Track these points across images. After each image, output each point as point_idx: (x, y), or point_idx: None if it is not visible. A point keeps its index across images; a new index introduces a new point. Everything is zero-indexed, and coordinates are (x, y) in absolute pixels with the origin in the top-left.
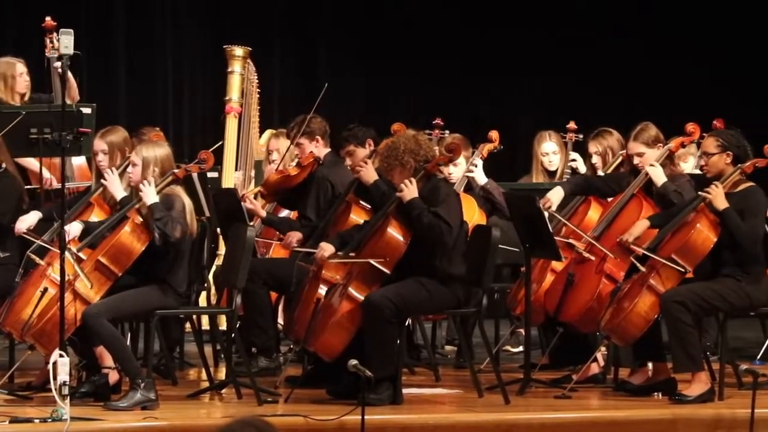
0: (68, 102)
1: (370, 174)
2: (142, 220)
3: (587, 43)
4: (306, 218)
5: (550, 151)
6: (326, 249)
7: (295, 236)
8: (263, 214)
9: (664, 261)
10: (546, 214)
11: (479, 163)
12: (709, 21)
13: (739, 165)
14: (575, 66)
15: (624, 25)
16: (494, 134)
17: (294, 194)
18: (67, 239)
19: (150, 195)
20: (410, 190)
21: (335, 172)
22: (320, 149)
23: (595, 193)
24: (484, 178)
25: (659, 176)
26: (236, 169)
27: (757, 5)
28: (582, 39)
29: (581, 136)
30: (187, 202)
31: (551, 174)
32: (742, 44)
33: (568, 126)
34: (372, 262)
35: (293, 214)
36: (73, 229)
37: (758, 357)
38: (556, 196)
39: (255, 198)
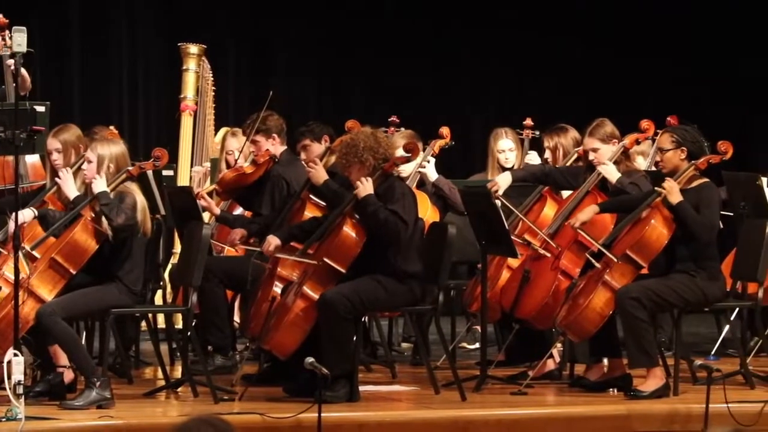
0: (21, 92)
1: (320, 174)
2: (94, 215)
3: (555, 42)
4: (260, 216)
5: (506, 148)
6: (272, 242)
7: (238, 233)
8: (217, 211)
9: (618, 258)
10: (500, 208)
11: (431, 159)
12: (676, 19)
13: (693, 161)
14: (539, 62)
15: (595, 26)
16: (445, 130)
17: (250, 192)
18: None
19: (99, 185)
20: (365, 187)
21: (291, 170)
22: (276, 147)
23: (550, 184)
24: (435, 174)
25: (612, 174)
26: (191, 168)
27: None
28: (549, 37)
29: (537, 133)
30: (140, 199)
31: (507, 171)
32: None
33: (524, 123)
34: (326, 260)
35: (248, 213)
36: (26, 215)
37: (712, 352)
38: (503, 180)
39: (210, 196)
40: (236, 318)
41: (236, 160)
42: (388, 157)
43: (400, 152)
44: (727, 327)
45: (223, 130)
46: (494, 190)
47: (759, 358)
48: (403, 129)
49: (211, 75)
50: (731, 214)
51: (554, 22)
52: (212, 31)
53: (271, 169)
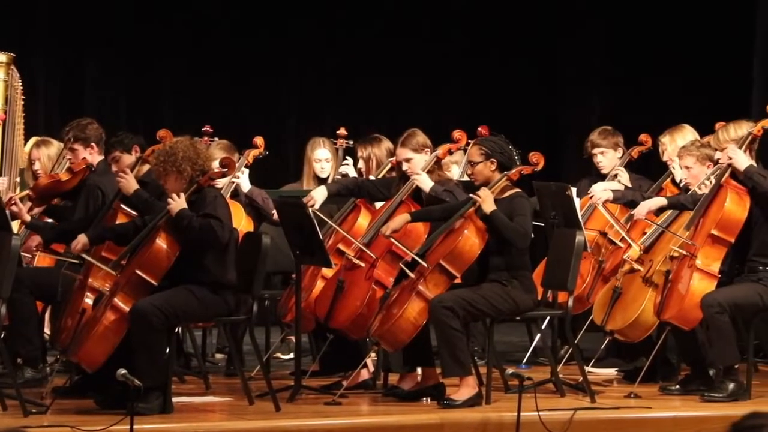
0: None
1: (130, 184)
2: None
3: (366, 46)
4: (63, 223)
5: (323, 158)
6: (80, 240)
7: (35, 240)
8: (27, 218)
9: (431, 268)
10: (314, 218)
11: (245, 169)
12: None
13: (505, 172)
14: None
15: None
16: (259, 140)
17: (64, 200)
18: None
19: None
20: (178, 203)
21: (107, 179)
22: (94, 156)
23: (364, 196)
24: (249, 184)
25: (425, 183)
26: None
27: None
28: (361, 41)
29: (351, 143)
30: None
31: (322, 181)
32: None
33: (338, 132)
34: (138, 272)
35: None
36: None
37: (524, 361)
38: (319, 194)
39: (22, 201)
40: (47, 330)
41: (53, 168)
42: (206, 170)
43: (216, 164)
44: (538, 336)
45: (32, 140)
46: (310, 204)
47: (569, 366)
48: (216, 139)
49: (20, 84)
50: (542, 224)
51: (363, 23)
52: (22, 40)
53: (87, 177)
